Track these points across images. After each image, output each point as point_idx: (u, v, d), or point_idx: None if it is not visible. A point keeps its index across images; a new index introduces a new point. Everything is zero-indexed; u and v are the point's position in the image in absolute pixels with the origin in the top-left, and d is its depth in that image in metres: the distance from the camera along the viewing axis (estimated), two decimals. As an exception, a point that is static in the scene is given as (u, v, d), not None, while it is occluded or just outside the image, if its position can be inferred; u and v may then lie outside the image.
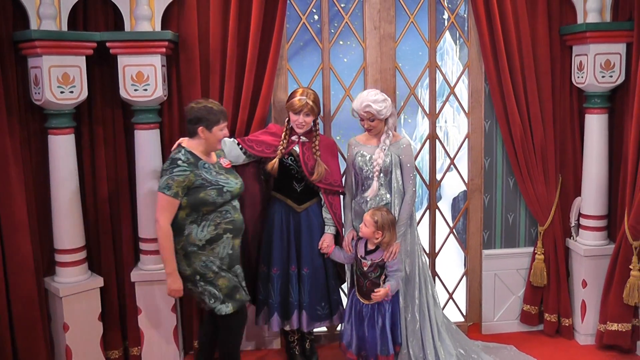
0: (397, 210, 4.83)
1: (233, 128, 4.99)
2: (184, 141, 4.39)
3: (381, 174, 4.79)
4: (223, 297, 4.39)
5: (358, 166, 4.86)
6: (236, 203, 4.48)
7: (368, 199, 4.82)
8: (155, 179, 4.94)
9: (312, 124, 4.84)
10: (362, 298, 4.77)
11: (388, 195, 4.83)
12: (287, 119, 4.90)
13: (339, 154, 5.19)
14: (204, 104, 4.33)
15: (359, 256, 4.76)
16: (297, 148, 4.88)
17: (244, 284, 4.55)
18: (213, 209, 4.30)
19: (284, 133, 4.88)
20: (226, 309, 4.40)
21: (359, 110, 4.74)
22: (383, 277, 4.73)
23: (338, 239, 5.02)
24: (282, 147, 4.84)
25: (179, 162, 4.23)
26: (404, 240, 4.88)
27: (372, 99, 4.72)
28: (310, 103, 4.75)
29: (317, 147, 4.88)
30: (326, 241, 4.92)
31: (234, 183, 4.42)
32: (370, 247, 4.71)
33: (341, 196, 5.06)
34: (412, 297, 4.96)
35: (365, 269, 4.71)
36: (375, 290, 4.65)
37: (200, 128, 4.28)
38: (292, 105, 4.74)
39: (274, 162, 4.77)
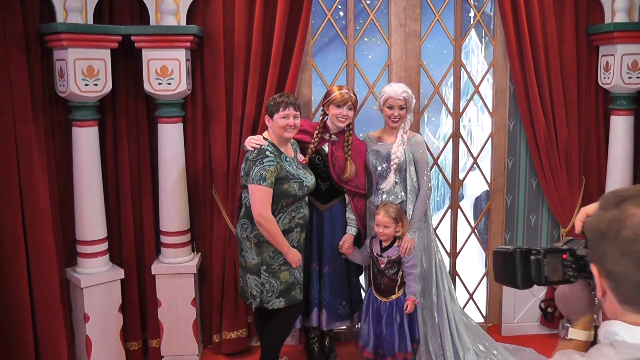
0: (410, 208, 4.83)
1: (257, 124, 5.00)
2: (265, 134, 4.49)
3: (396, 171, 4.79)
4: (279, 292, 4.44)
5: (372, 164, 4.87)
6: (306, 198, 4.57)
7: (384, 191, 4.81)
8: (177, 173, 4.98)
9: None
10: (379, 296, 4.77)
11: (403, 194, 4.83)
12: (321, 116, 4.89)
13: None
14: (274, 95, 4.55)
15: (374, 254, 4.76)
16: (326, 147, 4.87)
17: (301, 280, 4.59)
18: (292, 201, 4.39)
19: (317, 130, 4.86)
20: (279, 303, 4.46)
21: (397, 96, 4.77)
22: (400, 273, 4.73)
23: (359, 239, 5.02)
24: (313, 145, 4.83)
25: (267, 153, 4.31)
26: (419, 236, 4.88)
27: (406, 87, 4.84)
28: (354, 96, 4.79)
29: (350, 147, 4.87)
30: (347, 242, 4.92)
31: (310, 179, 4.51)
32: (385, 243, 4.71)
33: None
34: (429, 294, 4.97)
35: (382, 266, 4.71)
36: (405, 307, 4.69)
37: (266, 117, 4.44)
38: (335, 99, 4.73)
39: (305, 160, 4.76)
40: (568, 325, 1.88)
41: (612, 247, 1.51)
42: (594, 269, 1.59)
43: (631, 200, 1.52)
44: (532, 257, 1.83)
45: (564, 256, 1.82)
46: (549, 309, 2.09)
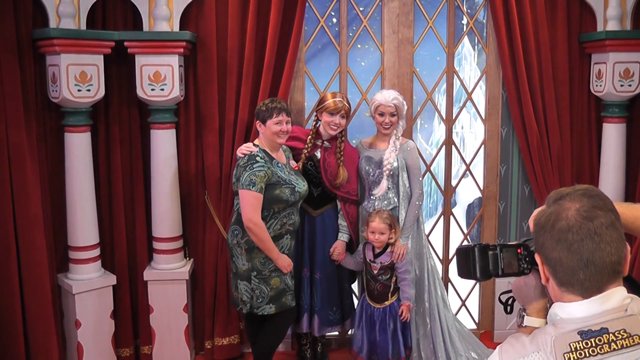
0: (403, 214, 4.84)
1: (249, 130, 5.00)
2: (256, 141, 4.50)
3: (388, 177, 4.80)
4: (270, 298, 4.43)
5: (364, 170, 4.88)
6: (298, 205, 4.56)
7: (377, 197, 4.82)
8: (170, 179, 4.97)
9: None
10: (372, 302, 4.77)
11: (395, 199, 4.84)
12: (314, 122, 4.91)
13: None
14: (264, 101, 4.51)
15: (367, 260, 4.76)
16: (318, 153, 4.88)
17: (292, 286, 4.59)
18: (284, 206, 4.39)
19: (310, 136, 4.87)
20: (269, 309, 4.45)
21: (387, 103, 4.77)
22: (394, 279, 4.73)
23: (350, 246, 5.02)
24: (306, 151, 4.84)
25: (257, 159, 4.31)
26: (412, 242, 4.89)
27: (397, 94, 4.83)
28: (347, 105, 4.79)
29: (342, 153, 4.87)
30: (338, 249, 4.92)
31: (302, 185, 4.51)
32: (378, 250, 4.72)
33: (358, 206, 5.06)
34: (422, 300, 4.97)
35: (375, 272, 4.72)
36: (400, 313, 4.69)
37: (257, 123, 4.43)
38: (328, 107, 4.74)
39: (298, 166, 4.76)
40: (524, 313, 2.07)
41: (549, 237, 1.74)
42: (537, 258, 1.82)
43: (567, 197, 1.76)
44: (490, 252, 2.03)
45: (519, 250, 2.03)
46: (508, 301, 2.24)
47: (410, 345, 4.84)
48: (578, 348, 1.64)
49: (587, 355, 1.63)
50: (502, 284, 5.66)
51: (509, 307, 2.22)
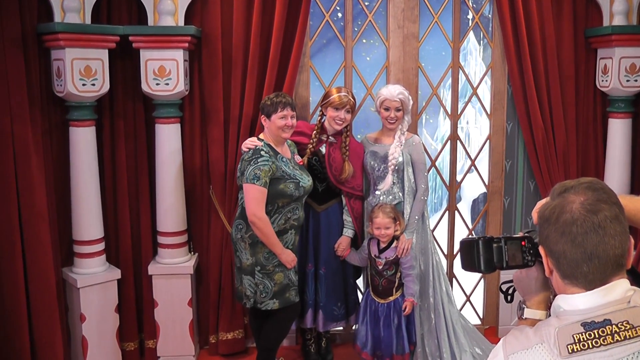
0: (408, 209, 4.83)
1: (254, 124, 4.99)
2: (261, 135, 4.50)
3: (394, 172, 4.79)
4: (273, 293, 4.43)
5: (370, 165, 4.87)
6: (303, 200, 4.56)
7: (382, 192, 4.82)
8: (174, 173, 4.97)
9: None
10: (377, 297, 4.77)
11: (400, 194, 4.84)
12: (319, 117, 4.90)
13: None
14: (269, 95, 4.53)
15: (372, 255, 4.76)
16: (323, 148, 4.87)
17: (296, 282, 4.59)
18: (289, 201, 4.39)
19: (315, 131, 4.86)
20: (273, 304, 4.46)
21: (392, 97, 4.76)
22: (398, 274, 4.73)
23: (355, 241, 5.02)
24: (311, 146, 4.83)
25: (262, 153, 4.32)
26: (417, 238, 4.88)
27: (402, 89, 4.82)
28: (352, 99, 4.77)
29: (347, 148, 4.86)
30: (342, 244, 4.92)
31: (307, 180, 4.51)
32: (383, 245, 4.71)
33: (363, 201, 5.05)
34: (426, 296, 4.96)
35: (380, 267, 4.71)
36: (403, 308, 4.69)
37: (262, 117, 4.45)
38: (334, 102, 4.72)
39: (303, 161, 4.75)
40: (524, 306, 2.07)
41: (553, 229, 1.75)
42: (541, 250, 1.83)
43: (572, 190, 1.78)
44: (495, 245, 2.03)
45: (523, 243, 2.02)
46: (509, 291, 2.24)
47: (414, 341, 4.83)
48: (581, 339, 1.65)
49: (590, 346, 1.64)
50: (506, 277, 5.66)
51: (509, 297, 2.23)
